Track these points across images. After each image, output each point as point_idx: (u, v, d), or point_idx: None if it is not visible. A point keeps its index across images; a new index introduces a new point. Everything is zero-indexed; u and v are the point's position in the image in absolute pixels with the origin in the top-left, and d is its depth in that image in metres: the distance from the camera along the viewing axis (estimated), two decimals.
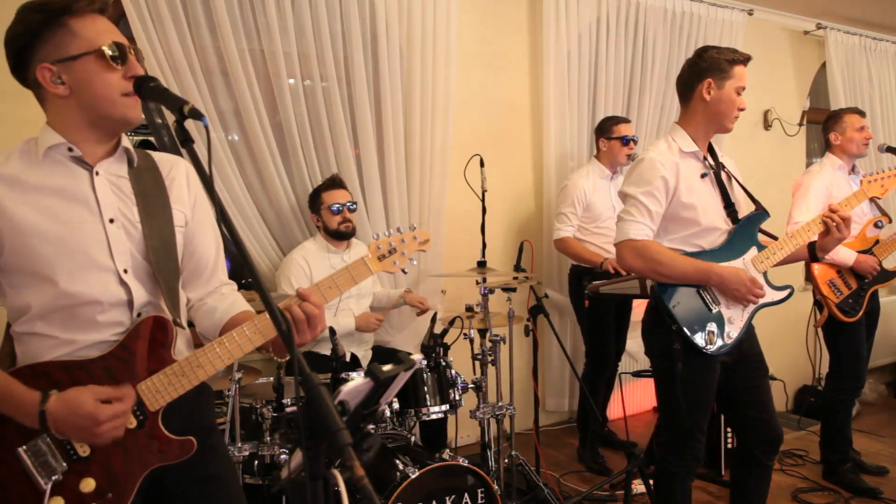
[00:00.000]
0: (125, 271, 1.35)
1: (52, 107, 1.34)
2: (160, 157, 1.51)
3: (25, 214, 1.29)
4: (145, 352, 1.35)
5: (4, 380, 1.27)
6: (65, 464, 1.28)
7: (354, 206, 3.11)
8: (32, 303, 1.31)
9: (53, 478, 1.27)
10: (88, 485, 1.29)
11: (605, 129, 3.66)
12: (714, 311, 2.20)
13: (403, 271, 1.54)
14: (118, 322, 1.35)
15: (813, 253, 2.33)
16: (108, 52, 1.29)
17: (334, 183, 3.12)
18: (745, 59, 2.22)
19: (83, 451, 1.30)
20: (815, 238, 2.31)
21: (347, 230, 3.07)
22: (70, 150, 1.34)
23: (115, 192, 1.38)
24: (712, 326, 2.18)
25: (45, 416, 1.23)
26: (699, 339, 2.15)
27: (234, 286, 1.63)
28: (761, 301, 2.26)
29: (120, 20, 2.89)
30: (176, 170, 1.50)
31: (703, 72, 2.20)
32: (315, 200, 3.10)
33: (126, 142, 1.44)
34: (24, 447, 1.26)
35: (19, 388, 1.26)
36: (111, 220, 1.35)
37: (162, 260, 1.40)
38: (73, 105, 1.32)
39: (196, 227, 1.52)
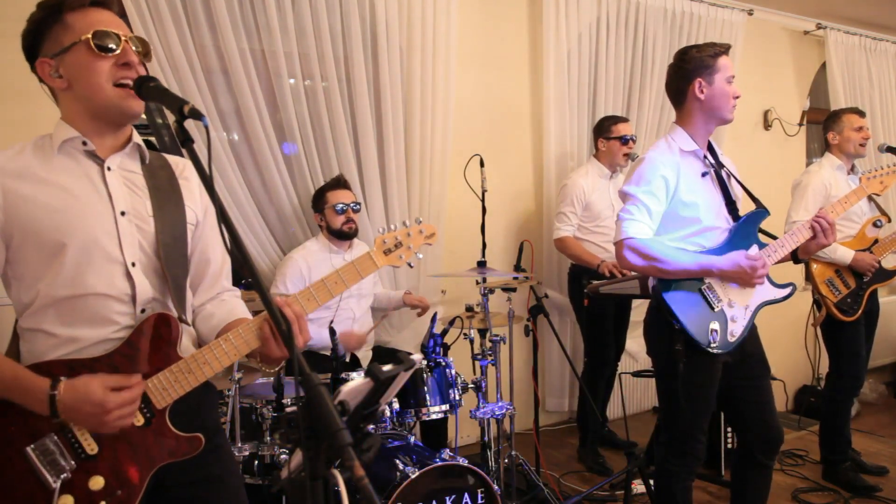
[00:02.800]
0: (133, 265, 1.36)
1: (60, 101, 1.38)
2: (173, 158, 1.53)
3: (35, 207, 1.30)
4: (151, 349, 1.35)
5: (13, 368, 1.27)
6: (73, 462, 1.28)
7: (358, 206, 3.11)
8: (39, 295, 1.32)
9: (62, 476, 1.26)
10: (97, 482, 1.29)
11: (603, 128, 3.66)
12: (717, 309, 2.19)
13: (409, 265, 1.53)
14: (121, 318, 1.35)
15: (794, 255, 2.33)
16: (93, 41, 1.30)
17: (339, 183, 3.12)
18: (725, 49, 2.22)
19: (91, 449, 1.30)
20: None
21: (350, 230, 3.07)
22: (84, 143, 1.36)
23: (129, 187, 1.40)
24: (715, 325, 2.18)
25: (55, 401, 1.23)
26: (702, 337, 2.15)
27: (237, 293, 1.63)
28: (763, 298, 2.26)
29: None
30: (189, 171, 1.52)
31: (690, 73, 2.20)
32: (319, 199, 3.09)
33: (138, 138, 1.45)
34: (32, 446, 1.26)
35: (28, 374, 1.26)
36: (122, 213, 1.36)
37: (172, 255, 1.41)
38: (73, 97, 1.35)
39: (206, 232, 1.53)
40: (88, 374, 1.27)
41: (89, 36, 1.30)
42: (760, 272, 2.16)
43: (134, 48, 1.34)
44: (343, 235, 3.07)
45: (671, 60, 2.30)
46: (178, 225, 1.44)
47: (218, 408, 1.60)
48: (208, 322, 1.51)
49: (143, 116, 3.24)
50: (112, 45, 1.31)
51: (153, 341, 1.35)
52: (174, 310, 1.40)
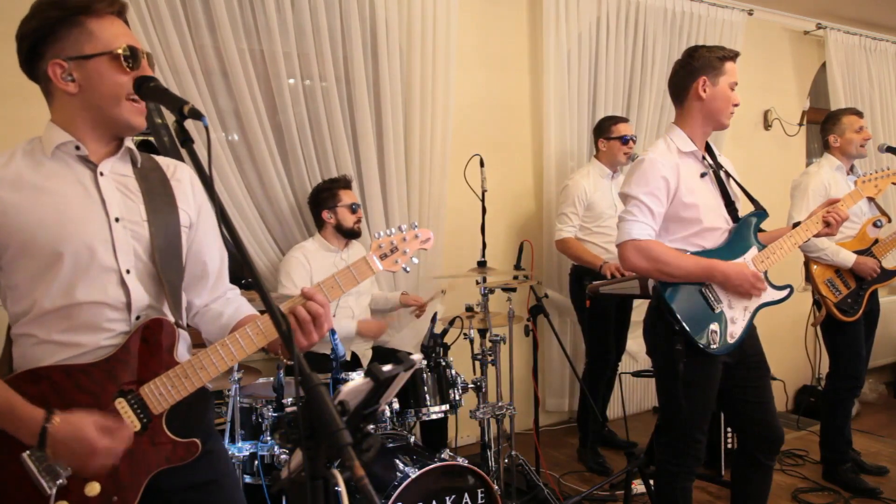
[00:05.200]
0: (128, 272, 1.34)
1: (59, 104, 1.35)
2: (163, 160, 1.51)
3: (29, 215, 1.29)
4: (148, 354, 1.34)
5: (6, 393, 1.25)
6: (69, 468, 1.26)
7: (359, 207, 3.16)
8: (33, 304, 1.30)
9: (58, 482, 1.25)
10: (93, 489, 1.28)
11: (603, 129, 3.66)
12: (717, 310, 2.19)
13: (405, 270, 1.52)
14: (116, 325, 1.34)
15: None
16: (123, 55, 1.30)
17: (349, 183, 3.17)
18: (734, 55, 2.24)
19: None
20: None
21: (359, 230, 3.12)
22: (77, 148, 1.34)
23: (122, 191, 1.38)
24: (715, 326, 2.18)
25: (45, 434, 1.21)
26: (702, 338, 2.15)
27: (238, 290, 1.62)
28: (762, 300, 2.26)
29: None
30: (180, 172, 1.51)
31: (697, 71, 2.21)
32: (333, 197, 3.09)
33: (129, 142, 1.44)
34: (28, 452, 1.25)
35: (23, 403, 1.24)
36: (116, 220, 1.35)
37: (167, 260, 1.39)
38: (79, 104, 1.33)
39: (202, 233, 1.51)
40: (83, 412, 1.26)
41: (121, 51, 1.30)
42: (759, 286, 2.19)
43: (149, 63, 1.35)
44: (352, 234, 3.11)
45: (672, 59, 2.32)
46: (172, 228, 1.42)
47: (212, 411, 1.59)
48: (217, 321, 1.50)
49: (146, 122, 3.24)
50: (137, 61, 1.32)
51: (150, 347, 1.34)
52: (170, 314, 1.39)
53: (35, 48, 1.31)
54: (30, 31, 1.31)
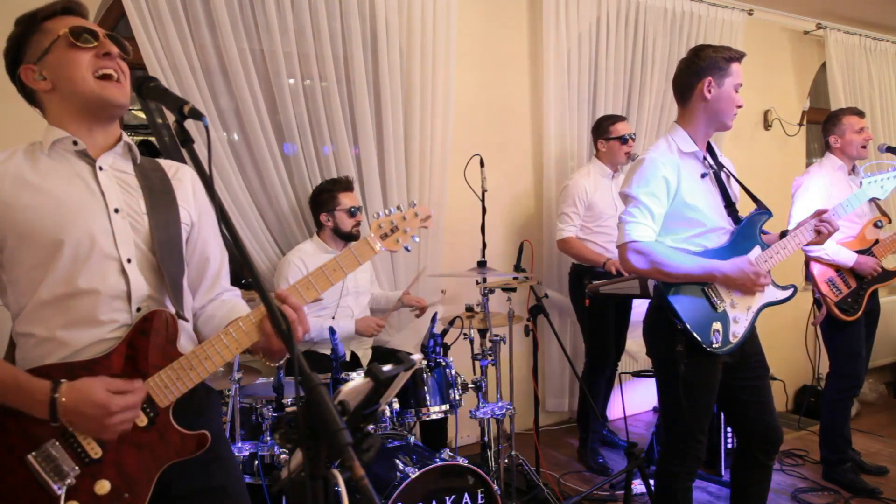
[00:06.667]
0: (129, 261, 1.35)
1: (46, 105, 1.39)
2: (165, 162, 1.54)
3: (29, 207, 1.30)
4: (150, 347, 1.34)
5: (12, 371, 1.26)
6: (77, 467, 1.26)
7: (360, 209, 3.15)
8: (34, 297, 1.31)
9: (66, 482, 1.24)
10: (103, 487, 1.27)
11: (602, 129, 3.65)
12: (719, 309, 2.19)
13: (407, 249, 1.51)
14: (117, 316, 1.34)
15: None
16: (71, 34, 1.33)
17: (350, 185, 3.15)
18: (740, 57, 2.23)
19: (94, 452, 1.28)
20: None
21: (357, 233, 3.10)
22: (75, 143, 1.36)
23: (122, 186, 1.40)
24: (717, 325, 2.17)
25: (55, 404, 1.21)
26: (704, 338, 2.14)
27: (237, 291, 1.63)
28: (766, 299, 2.26)
29: (120, 20, 2.89)
30: (182, 173, 1.53)
31: (703, 71, 2.20)
32: (332, 200, 3.08)
33: (128, 139, 1.45)
34: (34, 453, 1.24)
35: (28, 377, 1.25)
36: (116, 210, 1.36)
37: (167, 253, 1.40)
38: (59, 98, 1.36)
39: (202, 235, 1.52)
40: (89, 377, 1.25)
41: (66, 30, 1.33)
42: (763, 280, 2.17)
43: (112, 42, 1.37)
44: (350, 237, 3.09)
45: (673, 59, 2.31)
46: (172, 224, 1.43)
47: (220, 415, 1.58)
48: (210, 322, 1.51)
49: (143, 116, 3.24)
50: (89, 37, 1.34)
51: (152, 339, 1.34)
52: (171, 307, 1.39)
53: (13, 66, 1.38)
54: (6, 51, 1.38)
